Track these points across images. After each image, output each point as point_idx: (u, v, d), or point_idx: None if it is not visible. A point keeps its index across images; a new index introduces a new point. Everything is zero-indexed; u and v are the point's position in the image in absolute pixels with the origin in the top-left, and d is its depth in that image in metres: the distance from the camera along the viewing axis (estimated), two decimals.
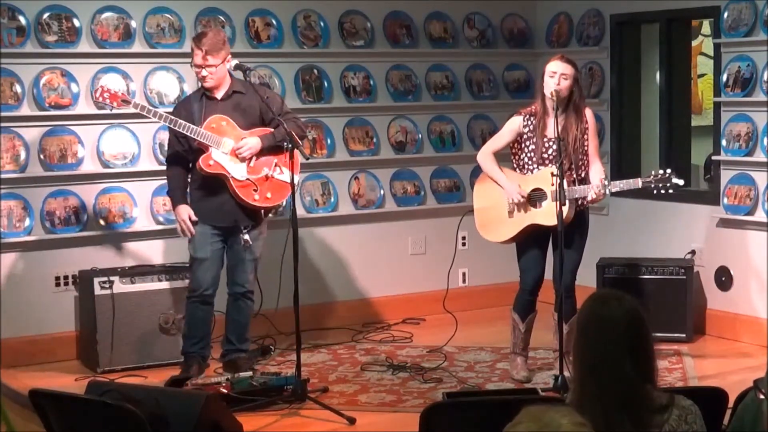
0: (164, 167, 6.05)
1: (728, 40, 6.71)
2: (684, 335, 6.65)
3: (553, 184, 5.48)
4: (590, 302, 2.97)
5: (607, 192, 5.72)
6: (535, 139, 5.72)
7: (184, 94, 6.61)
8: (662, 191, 5.72)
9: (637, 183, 5.73)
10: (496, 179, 5.81)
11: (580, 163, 5.71)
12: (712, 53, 7.67)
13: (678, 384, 5.73)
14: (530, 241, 5.80)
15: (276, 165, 5.81)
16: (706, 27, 9.11)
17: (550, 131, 5.65)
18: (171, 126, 5.65)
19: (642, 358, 2.86)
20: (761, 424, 2.82)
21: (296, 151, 5.76)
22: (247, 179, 5.74)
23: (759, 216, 6.55)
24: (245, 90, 5.85)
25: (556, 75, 5.62)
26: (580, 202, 5.72)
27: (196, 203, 5.84)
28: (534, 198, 5.73)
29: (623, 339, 2.83)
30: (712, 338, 6.82)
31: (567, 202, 5.48)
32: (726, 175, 6.77)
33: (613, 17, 7.47)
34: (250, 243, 5.78)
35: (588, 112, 5.78)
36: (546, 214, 5.66)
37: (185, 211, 5.79)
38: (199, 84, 5.89)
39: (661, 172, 5.73)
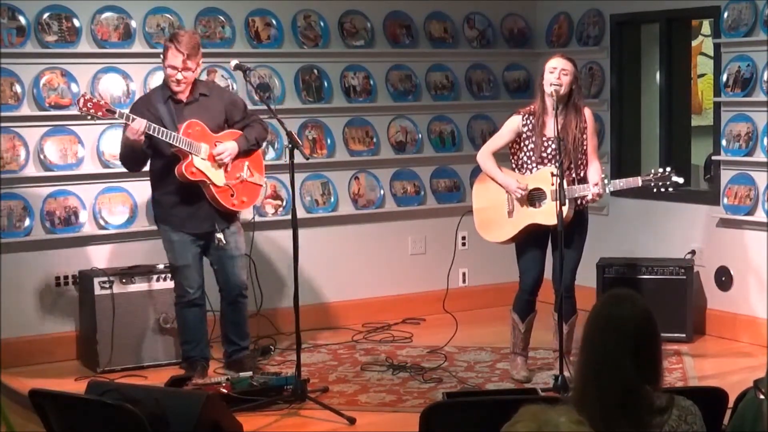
0: None
1: (728, 40, 6.71)
2: (684, 335, 6.65)
3: (553, 184, 5.48)
4: (604, 301, 2.96)
5: (607, 191, 5.73)
6: (534, 139, 5.73)
7: None
8: (662, 189, 5.73)
9: (637, 182, 5.74)
10: (495, 178, 5.81)
11: (579, 162, 5.71)
12: (712, 53, 7.67)
13: (678, 384, 5.73)
14: (530, 241, 5.80)
15: (248, 168, 5.80)
16: (706, 27, 9.11)
17: (549, 130, 5.65)
18: (155, 135, 5.51)
19: (646, 360, 2.85)
20: (761, 424, 2.82)
21: (260, 151, 5.81)
22: (226, 184, 5.71)
23: (759, 216, 6.54)
24: (209, 92, 5.81)
25: (556, 71, 5.63)
26: (579, 201, 5.72)
27: (170, 210, 5.75)
28: (533, 198, 5.73)
29: (629, 340, 2.83)
30: (712, 338, 6.82)
31: (566, 201, 5.48)
32: (726, 175, 6.77)
33: (613, 17, 7.47)
34: (224, 242, 5.75)
35: (587, 112, 5.79)
36: (545, 214, 5.66)
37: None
38: (162, 83, 5.80)
39: (660, 170, 5.74)
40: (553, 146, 5.60)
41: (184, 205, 5.71)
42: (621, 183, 5.80)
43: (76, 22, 6.45)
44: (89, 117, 5.55)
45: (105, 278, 6.19)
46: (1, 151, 6.23)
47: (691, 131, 7.62)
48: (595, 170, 5.74)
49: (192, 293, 5.81)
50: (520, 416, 2.25)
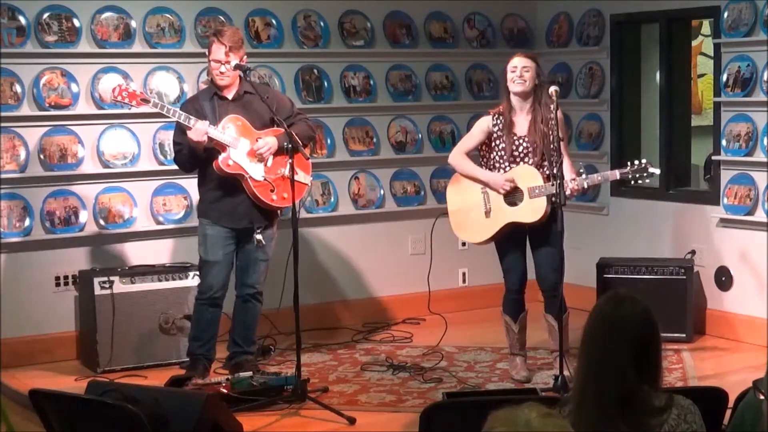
0: (164, 167, 6.04)
1: (728, 40, 6.71)
2: (684, 335, 6.65)
3: (550, 181, 5.50)
4: (604, 301, 2.96)
5: (585, 185, 5.73)
6: (504, 138, 5.74)
7: (183, 94, 6.62)
8: (639, 181, 5.75)
9: (615, 175, 5.77)
10: (477, 176, 5.81)
11: (552, 159, 5.69)
12: (712, 53, 7.67)
13: (678, 384, 5.73)
14: (509, 240, 5.80)
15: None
16: (706, 27, 9.10)
17: (519, 129, 5.73)
18: (190, 125, 5.53)
19: (646, 360, 2.85)
20: (761, 424, 2.82)
21: (308, 152, 5.79)
22: (265, 179, 5.72)
23: (759, 216, 6.54)
24: (255, 91, 5.83)
25: (517, 69, 5.70)
26: (554, 199, 5.69)
27: (210, 205, 5.78)
28: (510, 196, 5.74)
29: (629, 341, 2.83)
30: (712, 338, 6.82)
31: (544, 198, 5.55)
32: (726, 175, 6.77)
33: (613, 17, 7.47)
34: (263, 243, 5.77)
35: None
36: (523, 212, 5.68)
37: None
38: (208, 83, 5.84)
39: (637, 162, 5.74)
40: (524, 145, 5.69)
41: (224, 200, 5.73)
42: (599, 177, 5.84)
43: (76, 22, 6.45)
44: (122, 106, 5.62)
45: (105, 278, 6.18)
46: (1, 151, 6.23)
47: (691, 131, 7.62)
48: (567, 167, 5.71)
49: (213, 291, 5.79)
50: (491, 424, 2.23)
